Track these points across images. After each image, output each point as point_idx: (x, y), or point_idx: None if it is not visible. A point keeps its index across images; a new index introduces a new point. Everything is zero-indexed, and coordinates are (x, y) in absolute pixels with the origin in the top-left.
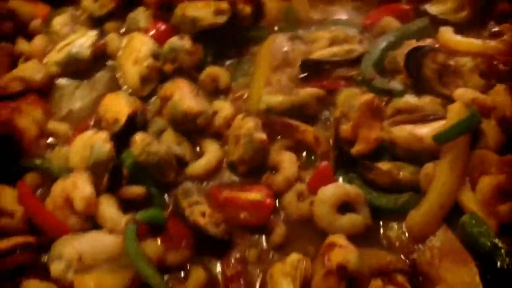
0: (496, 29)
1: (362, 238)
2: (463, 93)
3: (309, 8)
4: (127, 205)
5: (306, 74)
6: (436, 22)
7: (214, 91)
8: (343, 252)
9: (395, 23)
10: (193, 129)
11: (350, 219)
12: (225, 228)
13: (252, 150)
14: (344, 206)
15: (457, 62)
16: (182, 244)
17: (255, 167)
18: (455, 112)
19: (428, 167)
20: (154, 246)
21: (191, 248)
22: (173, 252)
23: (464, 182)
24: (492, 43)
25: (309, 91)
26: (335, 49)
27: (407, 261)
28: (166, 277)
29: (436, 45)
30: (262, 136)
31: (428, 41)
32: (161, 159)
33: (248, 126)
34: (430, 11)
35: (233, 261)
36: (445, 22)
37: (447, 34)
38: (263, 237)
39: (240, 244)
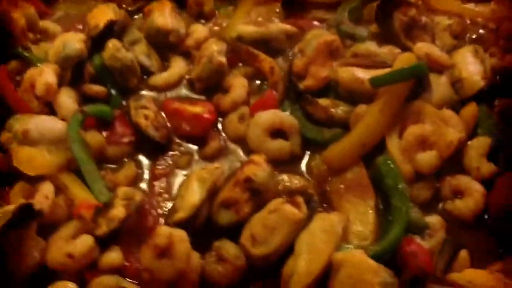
0: None
1: (286, 163)
2: (421, 47)
3: None
4: (87, 102)
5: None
6: None
7: (198, 16)
8: (255, 168)
9: None
10: (165, 44)
11: (279, 144)
12: (165, 133)
13: (209, 70)
14: (278, 133)
15: (433, 20)
16: (123, 141)
17: (211, 87)
18: (401, 61)
19: (361, 107)
20: (97, 136)
21: (131, 146)
22: (114, 146)
23: (394, 128)
24: (473, 7)
25: (280, 26)
26: None
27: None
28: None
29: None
30: (222, 59)
31: None
32: (125, 65)
33: (212, 49)
34: None
35: (163, 163)
36: None
37: None
38: (198, 148)
39: (175, 150)
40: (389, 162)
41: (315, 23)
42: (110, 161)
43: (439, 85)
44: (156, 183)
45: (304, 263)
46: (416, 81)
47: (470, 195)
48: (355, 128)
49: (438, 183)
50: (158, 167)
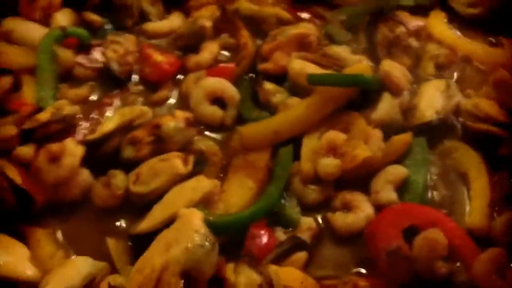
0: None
1: (216, 129)
2: (385, 64)
3: None
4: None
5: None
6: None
7: None
8: (171, 120)
9: None
10: None
11: (212, 110)
12: (126, 70)
13: (191, 30)
14: (219, 102)
15: (424, 46)
16: (90, 66)
17: (190, 46)
18: (351, 69)
19: (292, 99)
20: (68, 54)
21: (95, 72)
22: (81, 68)
23: (318, 129)
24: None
25: (272, 9)
26: None
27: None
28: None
29: (416, 24)
30: (206, 23)
31: (415, 19)
32: (125, 4)
33: (202, 13)
34: None
35: (114, 95)
36: (455, 13)
37: (434, 19)
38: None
39: (130, 89)
40: (287, 154)
41: (308, 15)
42: (74, 80)
43: (388, 105)
44: (95, 112)
45: (157, 210)
46: (361, 94)
47: (354, 212)
48: (276, 116)
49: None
50: (107, 98)
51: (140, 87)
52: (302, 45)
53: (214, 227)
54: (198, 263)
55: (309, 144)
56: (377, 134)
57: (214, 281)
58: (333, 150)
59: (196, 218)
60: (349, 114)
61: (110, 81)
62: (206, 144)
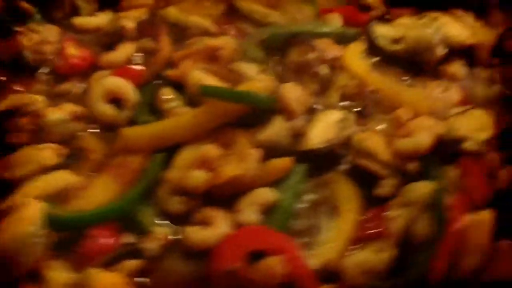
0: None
1: (109, 128)
2: (286, 87)
3: None
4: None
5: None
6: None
7: None
8: (54, 111)
9: (337, 20)
10: None
11: (105, 109)
12: (38, 59)
13: (112, 29)
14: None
15: (337, 75)
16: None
17: (111, 44)
18: (245, 85)
19: (183, 109)
20: None
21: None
22: None
23: (202, 141)
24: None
25: (198, 20)
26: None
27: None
28: None
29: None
30: (127, 23)
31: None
32: None
33: (129, 14)
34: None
35: (21, 81)
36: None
37: (351, 50)
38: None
39: (38, 78)
40: (156, 161)
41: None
42: None
43: (277, 127)
44: None
45: (14, 196)
46: (254, 112)
47: (210, 228)
48: (168, 120)
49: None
50: (15, 85)
51: (48, 77)
52: (212, 57)
53: (55, 221)
54: (21, 252)
55: (185, 155)
56: (254, 154)
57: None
58: (206, 163)
59: (33, 209)
60: (234, 130)
61: (22, 67)
62: (89, 141)
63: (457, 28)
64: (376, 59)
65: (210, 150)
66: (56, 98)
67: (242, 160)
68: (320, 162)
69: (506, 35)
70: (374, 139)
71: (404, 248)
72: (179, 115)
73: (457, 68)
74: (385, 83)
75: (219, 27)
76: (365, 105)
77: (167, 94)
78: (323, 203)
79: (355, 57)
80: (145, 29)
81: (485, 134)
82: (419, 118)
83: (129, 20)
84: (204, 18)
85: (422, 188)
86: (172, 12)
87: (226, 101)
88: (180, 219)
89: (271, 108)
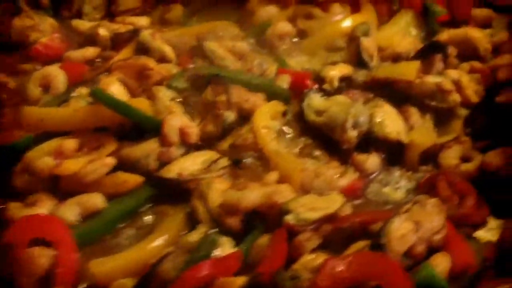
0: None
1: None
2: (173, 114)
3: None
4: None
5: None
6: None
7: None
8: None
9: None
10: None
11: (34, 90)
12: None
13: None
14: None
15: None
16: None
17: None
18: (133, 100)
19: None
20: None
21: None
22: None
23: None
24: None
25: (160, 46)
26: None
27: None
28: None
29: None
30: (101, 32)
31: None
32: None
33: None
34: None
35: None
36: None
37: (265, 108)
38: None
39: None
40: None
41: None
42: None
43: (146, 148)
44: None
45: None
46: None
47: (28, 207)
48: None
49: None
50: None
51: (20, 56)
52: (141, 74)
53: None
54: None
55: (52, 142)
56: (108, 161)
57: None
58: (60, 154)
59: None
60: (109, 137)
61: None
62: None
63: (395, 122)
64: (298, 125)
65: (68, 143)
66: (14, 74)
67: (92, 162)
68: (168, 191)
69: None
70: (218, 186)
71: None
72: (69, 107)
73: (371, 160)
74: (273, 146)
75: (179, 58)
76: (246, 159)
77: (84, 91)
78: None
79: (264, 115)
80: (117, 41)
81: (315, 214)
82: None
83: (105, 30)
84: (171, 47)
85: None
86: (145, 34)
87: (111, 108)
88: (18, 196)
89: (150, 128)
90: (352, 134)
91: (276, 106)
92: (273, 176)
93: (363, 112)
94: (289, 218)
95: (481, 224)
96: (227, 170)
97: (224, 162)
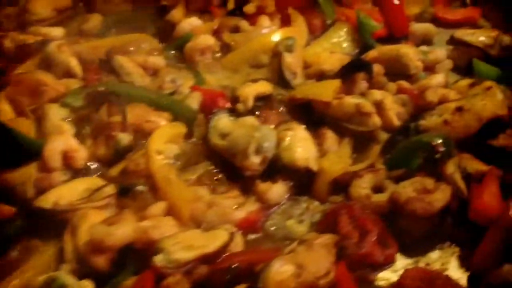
0: None
1: None
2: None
3: None
4: None
5: None
6: None
7: None
8: None
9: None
10: None
11: None
12: None
13: None
14: None
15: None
16: None
17: None
18: (16, 120)
19: None
20: None
21: None
22: None
23: None
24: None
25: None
26: None
27: None
28: None
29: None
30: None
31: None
32: None
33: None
34: None
35: None
36: None
37: (162, 130)
38: None
39: None
40: None
41: None
42: None
43: (23, 174)
44: None
45: None
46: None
47: None
48: None
49: None
50: None
51: None
52: (36, 91)
53: None
54: None
55: None
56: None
57: None
58: None
59: None
60: None
61: None
62: None
63: (305, 148)
64: (203, 148)
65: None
66: None
67: None
68: (42, 223)
69: None
70: (92, 219)
71: None
72: None
73: (275, 189)
74: (164, 173)
75: (86, 72)
76: (136, 187)
77: None
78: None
79: (159, 138)
80: (22, 53)
81: (189, 255)
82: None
83: (10, 41)
84: (80, 60)
85: None
86: (52, 46)
87: None
88: None
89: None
90: (255, 160)
91: (177, 127)
92: (157, 207)
93: (269, 136)
94: (158, 259)
95: (386, 265)
96: (113, 200)
97: (110, 190)
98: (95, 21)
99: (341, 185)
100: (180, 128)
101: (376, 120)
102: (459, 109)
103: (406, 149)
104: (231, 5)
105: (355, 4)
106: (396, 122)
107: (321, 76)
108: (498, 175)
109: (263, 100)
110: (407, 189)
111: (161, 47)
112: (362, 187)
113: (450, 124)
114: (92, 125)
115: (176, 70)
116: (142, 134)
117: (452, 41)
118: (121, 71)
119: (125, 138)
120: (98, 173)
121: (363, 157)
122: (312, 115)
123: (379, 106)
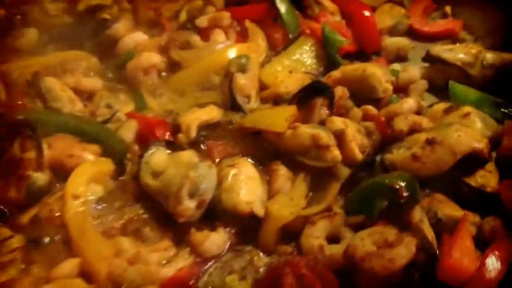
0: None
1: None
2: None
3: None
4: None
5: None
6: None
7: None
8: None
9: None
10: None
11: None
12: None
13: None
14: None
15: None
16: None
17: None
18: None
19: None
20: None
21: None
22: None
23: None
24: None
25: None
26: None
27: None
28: None
29: None
30: None
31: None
32: None
33: None
34: None
35: None
36: None
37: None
38: None
39: None
40: None
41: None
42: None
43: None
44: None
45: None
46: None
47: None
48: None
49: None
50: None
51: None
52: None
53: None
54: None
55: None
56: None
57: None
58: None
59: None
60: None
61: None
62: None
63: (251, 188)
64: (135, 188)
65: None
66: None
67: None
68: None
69: None
70: None
71: None
72: None
73: (213, 238)
74: (79, 222)
75: (10, 96)
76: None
77: None
78: None
79: (79, 178)
80: None
81: None
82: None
83: None
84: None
85: None
86: None
87: None
88: None
89: None
90: (189, 205)
91: (102, 164)
92: (68, 265)
93: (207, 176)
94: None
95: None
96: (19, 254)
97: (16, 242)
98: (30, 36)
99: (292, 232)
100: (106, 165)
101: (335, 154)
102: (430, 142)
103: (366, 192)
104: (183, 17)
105: (321, 16)
106: (359, 155)
107: (277, 99)
108: (474, 222)
109: (210, 129)
110: (365, 241)
111: (100, 66)
112: (315, 236)
113: (419, 159)
114: (2, 163)
115: (115, 93)
116: (63, 172)
117: (428, 57)
118: (48, 96)
119: (40, 178)
120: (6, 221)
121: (320, 197)
122: (263, 147)
123: (339, 137)
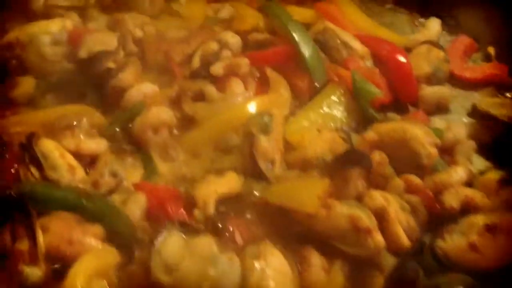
0: None
1: None
2: None
3: None
4: None
5: None
6: None
7: None
8: None
9: None
10: None
11: None
12: None
13: None
14: None
15: None
16: None
17: None
18: None
19: None
20: None
21: None
22: None
23: None
24: None
25: None
26: None
27: None
28: None
29: None
30: None
31: None
32: None
33: None
34: None
35: None
36: None
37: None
38: None
39: None
40: None
41: None
42: None
43: None
44: None
45: None
46: None
47: None
48: None
49: None
50: None
51: None
52: None
53: None
54: None
55: None
56: None
57: None
58: None
59: None
60: None
61: None
62: None
63: (280, 282)
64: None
65: None
66: None
67: None
68: None
69: None
70: None
71: None
72: None
73: None
74: None
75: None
76: None
77: None
78: None
79: (80, 275)
80: None
81: None
82: None
83: None
84: None
85: None
86: None
87: None
88: None
89: None
90: None
91: (106, 256)
92: None
93: (228, 273)
94: None
95: None
96: None
97: None
98: (26, 86)
99: None
100: (111, 257)
101: (377, 239)
102: (490, 229)
103: None
104: (196, 63)
105: (350, 61)
106: (406, 241)
107: (305, 164)
108: None
109: (229, 204)
110: None
111: (104, 121)
112: None
113: (478, 250)
114: None
115: (121, 156)
116: (65, 263)
117: (474, 112)
118: (45, 164)
119: (34, 273)
120: None
121: None
122: (291, 226)
123: (380, 216)
